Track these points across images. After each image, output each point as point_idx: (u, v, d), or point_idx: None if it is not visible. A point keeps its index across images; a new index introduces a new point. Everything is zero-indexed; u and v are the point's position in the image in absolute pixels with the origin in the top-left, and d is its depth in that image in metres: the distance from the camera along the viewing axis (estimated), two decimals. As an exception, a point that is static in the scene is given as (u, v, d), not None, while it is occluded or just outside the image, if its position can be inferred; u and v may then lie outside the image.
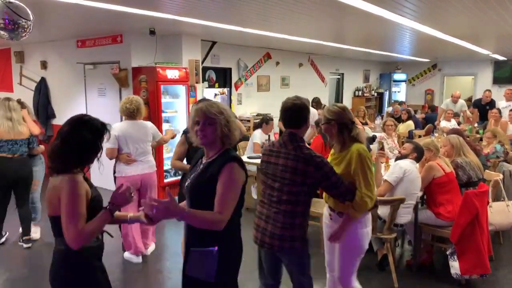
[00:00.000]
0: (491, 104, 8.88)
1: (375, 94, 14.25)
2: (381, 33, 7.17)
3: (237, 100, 9.02)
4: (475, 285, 3.85)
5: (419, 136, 8.61)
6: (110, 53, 6.78)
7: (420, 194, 4.00)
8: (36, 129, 4.83)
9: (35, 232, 4.91)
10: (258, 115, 8.87)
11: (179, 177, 5.29)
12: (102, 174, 2.68)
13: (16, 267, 4.39)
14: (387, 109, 12.58)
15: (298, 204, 2.59)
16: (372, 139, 6.34)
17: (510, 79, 12.47)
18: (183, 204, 2.34)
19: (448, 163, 4.13)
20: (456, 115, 9.04)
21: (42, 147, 4.95)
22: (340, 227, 2.74)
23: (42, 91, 8.00)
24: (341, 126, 2.72)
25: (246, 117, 8.88)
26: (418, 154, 4.04)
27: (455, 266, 3.73)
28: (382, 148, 4.19)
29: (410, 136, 8.71)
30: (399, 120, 9.38)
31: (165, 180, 6.60)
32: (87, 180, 2.15)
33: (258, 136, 6.54)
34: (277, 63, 10.01)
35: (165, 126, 6.61)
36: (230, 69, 8.80)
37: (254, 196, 6.53)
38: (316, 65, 11.46)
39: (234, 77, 8.90)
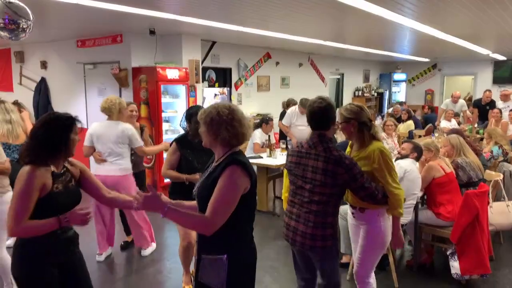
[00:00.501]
0: (491, 104, 8.87)
1: (375, 94, 14.25)
2: (381, 33, 7.17)
3: (237, 100, 9.01)
4: (476, 285, 3.84)
5: (419, 136, 8.61)
6: (110, 53, 6.77)
7: (420, 194, 3.99)
8: None
9: None
10: (258, 115, 8.87)
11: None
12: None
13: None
14: (388, 109, 12.57)
15: (329, 204, 2.61)
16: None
17: (510, 79, 12.47)
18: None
19: (448, 163, 4.12)
20: (456, 115, 9.04)
21: None
22: (395, 231, 2.83)
23: (42, 91, 8.00)
24: (360, 124, 2.76)
25: (246, 117, 8.86)
26: (418, 153, 4.05)
27: (455, 266, 3.73)
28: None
29: (410, 136, 8.71)
30: (399, 120, 9.37)
31: (165, 181, 6.59)
32: (58, 175, 2.23)
33: (258, 136, 6.54)
34: (277, 63, 10.01)
35: (165, 126, 6.61)
36: (230, 69, 8.80)
37: (254, 196, 6.53)
38: (316, 65, 11.46)
39: (234, 77, 8.90)
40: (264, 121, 6.62)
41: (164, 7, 4.73)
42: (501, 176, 4.60)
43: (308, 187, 2.60)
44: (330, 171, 2.53)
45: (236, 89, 8.99)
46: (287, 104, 8.37)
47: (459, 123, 8.93)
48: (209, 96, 8.45)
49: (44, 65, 7.99)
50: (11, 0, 3.25)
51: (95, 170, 4.15)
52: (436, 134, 7.83)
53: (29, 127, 4.59)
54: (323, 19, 5.67)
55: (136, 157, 4.50)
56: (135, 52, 6.60)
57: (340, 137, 5.76)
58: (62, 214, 2.17)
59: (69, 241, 2.32)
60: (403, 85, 14.71)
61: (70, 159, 2.38)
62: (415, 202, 3.88)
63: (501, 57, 11.91)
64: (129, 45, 6.57)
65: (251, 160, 5.86)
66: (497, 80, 12.71)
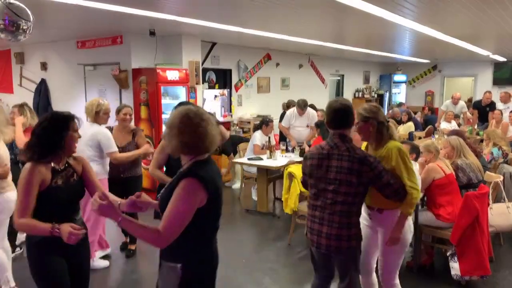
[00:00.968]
0: (491, 105, 8.87)
1: (375, 96, 14.25)
2: (381, 34, 7.18)
3: (237, 102, 9.02)
4: (475, 286, 3.84)
5: (420, 138, 8.61)
6: (110, 54, 6.78)
7: (420, 195, 3.98)
8: (21, 142, 4.30)
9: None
10: (258, 116, 8.86)
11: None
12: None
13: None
14: (388, 112, 12.56)
15: (354, 204, 2.62)
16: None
17: (510, 80, 12.48)
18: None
19: (448, 164, 4.12)
20: (456, 117, 9.04)
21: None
22: (396, 228, 2.77)
23: (42, 92, 8.01)
24: (379, 124, 2.77)
25: (246, 118, 8.88)
26: (416, 153, 4.05)
27: (455, 267, 3.73)
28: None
29: (410, 137, 8.71)
30: (400, 122, 9.37)
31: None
32: (59, 171, 2.35)
33: (258, 138, 6.54)
34: (277, 64, 10.01)
35: (165, 127, 6.60)
36: (230, 70, 8.81)
37: (254, 197, 6.53)
38: (316, 66, 11.47)
39: (234, 78, 8.90)
40: (264, 123, 6.62)
41: (164, 8, 4.73)
42: (501, 177, 4.59)
43: (331, 188, 2.59)
44: (355, 170, 2.55)
45: (236, 91, 9.00)
46: (287, 105, 8.37)
47: (459, 125, 8.93)
48: (209, 98, 8.46)
49: (44, 66, 8.00)
50: (11, 1, 3.25)
51: None
52: (436, 136, 7.83)
53: (18, 134, 4.39)
54: (323, 20, 5.68)
55: (134, 161, 4.32)
56: (135, 53, 6.61)
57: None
58: (63, 207, 2.33)
59: None
60: (403, 86, 14.71)
61: (75, 154, 2.50)
62: (415, 203, 3.88)
63: (501, 58, 11.91)
64: (129, 46, 6.57)
65: (251, 162, 5.92)
66: (497, 82, 12.72)
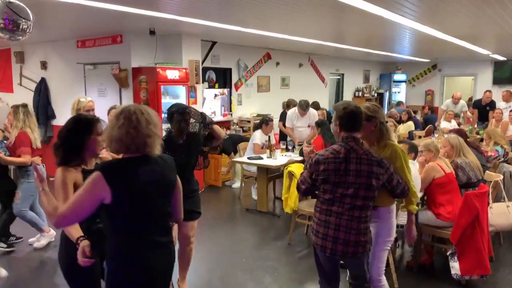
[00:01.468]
0: (491, 104, 8.87)
1: (375, 95, 14.25)
2: (381, 33, 7.17)
3: (237, 101, 9.01)
4: (475, 285, 3.84)
5: (419, 137, 8.61)
6: (110, 53, 6.78)
7: (420, 194, 3.99)
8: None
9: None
10: (258, 115, 8.86)
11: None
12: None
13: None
14: (388, 111, 12.56)
15: (369, 208, 2.64)
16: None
17: (510, 79, 12.46)
18: None
19: (448, 163, 4.12)
20: (456, 116, 9.03)
21: (23, 158, 4.40)
22: (410, 227, 2.98)
23: (42, 91, 8.00)
24: (381, 124, 2.81)
25: (246, 117, 8.87)
26: (415, 152, 4.06)
27: (455, 267, 3.73)
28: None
29: (410, 137, 8.71)
30: (400, 121, 9.36)
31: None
32: (89, 171, 2.29)
33: (258, 137, 6.54)
34: (277, 64, 10.00)
35: (165, 126, 6.60)
36: (230, 69, 8.80)
37: (254, 197, 6.53)
38: (316, 66, 11.46)
39: (234, 78, 8.90)
40: (264, 122, 6.62)
41: (164, 7, 4.73)
42: (501, 176, 4.60)
43: (350, 192, 2.57)
44: (374, 173, 2.57)
45: (236, 90, 8.99)
46: (287, 104, 8.37)
47: (459, 124, 8.93)
48: (209, 97, 8.45)
49: (44, 65, 7.99)
50: (11, 0, 3.25)
51: None
52: (436, 135, 7.83)
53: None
54: (323, 19, 5.67)
55: None
56: (135, 53, 6.60)
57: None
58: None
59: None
60: (403, 85, 14.70)
61: (103, 155, 2.53)
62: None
63: (501, 58, 11.90)
64: (129, 46, 6.57)
65: (251, 161, 5.92)
66: (497, 81, 12.71)
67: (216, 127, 3.49)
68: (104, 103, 6.98)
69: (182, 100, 6.83)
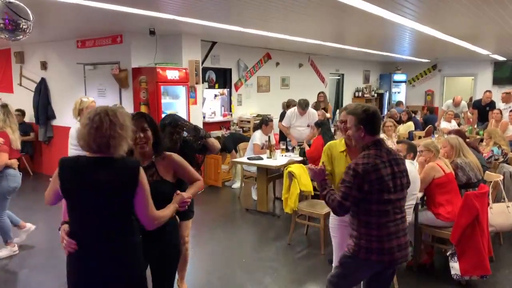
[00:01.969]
0: (491, 105, 8.87)
1: (375, 95, 14.25)
2: (381, 34, 7.17)
3: (237, 101, 9.01)
4: (475, 286, 3.84)
5: (419, 137, 8.62)
6: (110, 53, 6.78)
7: (420, 195, 3.99)
8: None
9: None
10: (258, 115, 8.86)
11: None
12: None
13: None
14: (388, 111, 12.56)
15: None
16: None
17: (510, 79, 12.47)
18: None
19: (447, 163, 4.12)
20: (456, 116, 9.04)
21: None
22: None
23: (42, 91, 8.00)
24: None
25: (246, 118, 8.87)
26: (414, 152, 4.06)
27: (455, 267, 3.73)
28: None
29: (410, 137, 8.71)
30: (399, 121, 9.36)
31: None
32: (144, 167, 2.31)
33: (258, 137, 6.54)
34: (277, 64, 10.00)
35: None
36: (230, 69, 8.80)
37: (254, 197, 6.53)
38: (316, 66, 11.46)
39: (234, 78, 8.89)
40: (264, 122, 6.61)
41: (164, 8, 4.73)
42: (501, 177, 4.60)
43: (402, 195, 2.55)
44: (406, 171, 2.59)
45: (236, 90, 8.99)
46: (287, 104, 8.37)
47: (459, 124, 8.93)
48: (209, 97, 8.45)
49: (44, 65, 7.99)
50: (11, 0, 3.25)
51: None
52: (436, 135, 7.83)
53: None
54: (323, 19, 5.67)
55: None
56: (135, 53, 6.60)
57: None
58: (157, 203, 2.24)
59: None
60: (403, 85, 14.71)
61: (167, 153, 2.52)
62: (414, 203, 3.88)
63: (501, 58, 11.91)
64: (129, 46, 6.57)
65: (251, 161, 5.91)
66: (497, 81, 12.71)
67: (210, 140, 3.41)
68: (104, 104, 6.96)
69: (182, 100, 6.84)
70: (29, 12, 3.34)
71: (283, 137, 7.29)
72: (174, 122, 3.29)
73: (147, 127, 2.42)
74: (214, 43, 7.92)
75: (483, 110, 9.01)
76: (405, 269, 4.21)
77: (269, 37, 7.09)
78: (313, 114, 6.92)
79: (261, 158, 5.95)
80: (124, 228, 2.10)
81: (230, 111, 8.79)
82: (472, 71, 13.34)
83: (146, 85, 6.40)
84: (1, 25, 3.21)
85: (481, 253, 3.65)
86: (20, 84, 8.51)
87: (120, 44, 6.64)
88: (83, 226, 2.07)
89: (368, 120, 2.50)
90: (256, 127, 6.92)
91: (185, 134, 3.23)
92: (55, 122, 8.07)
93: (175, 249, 2.57)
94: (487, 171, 4.70)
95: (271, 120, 6.72)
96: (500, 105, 8.66)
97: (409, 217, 3.92)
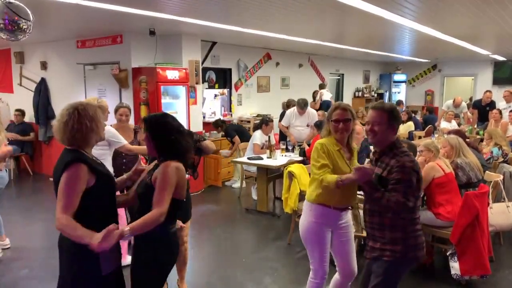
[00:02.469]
0: (491, 105, 8.87)
1: (375, 95, 14.25)
2: (381, 34, 7.17)
3: (237, 101, 9.01)
4: (475, 286, 3.84)
5: (419, 137, 8.62)
6: (110, 53, 6.78)
7: (420, 194, 3.99)
8: None
9: None
10: (258, 115, 8.86)
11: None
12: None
13: None
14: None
15: None
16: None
17: (510, 79, 12.47)
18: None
19: (447, 163, 4.12)
20: (456, 116, 9.04)
21: None
22: None
23: (42, 92, 8.00)
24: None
25: (246, 118, 8.88)
26: (414, 152, 4.06)
27: (455, 267, 3.73)
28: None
29: (410, 137, 8.71)
30: (399, 121, 9.32)
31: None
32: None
33: (258, 137, 6.54)
34: (277, 64, 10.01)
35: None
36: (230, 69, 8.80)
37: (254, 197, 6.53)
38: (316, 66, 11.47)
39: (234, 78, 8.90)
40: (264, 122, 6.62)
41: (164, 8, 4.73)
42: (501, 177, 4.60)
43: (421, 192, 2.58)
44: None
45: (236, 90, 8.99)
46: (287, 104, 8.37)
47: (459, 124, 8.93)
48: (209, 97, 8.46)
49: (44, 65, 8.00)
50: (11, 0, 3.25)
51: None
52: (436, 135, 7.83)
53: None
54: (323, 19, 5.67)
55: (134, 160, 4.34)
56: (135, 53, 6.60)
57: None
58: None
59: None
60: (403, 85, 14.71)
61: (168, 162, 2.47)
62: (415, 203, 3.88)
63: (501, 58, 11.91)
64: (129, 46, 6.57)
65: (251, 161, 5.91)
66: (497, 81, 12.71)
67: (205, 143, 3.41)
68: (104, 103, 7.01)
69: (182, 100, 6.84)
70: (29, 12, 3.34)
71: (283, 137, 7.29)
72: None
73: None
74: (214, 43, 7.92)
75: (483, 110, 9.01)
76: (405, 269, 4.21)
77: (269, 37, 7.09)
78: (313, 114, 6.92)
79: (261, 158, 5.95)
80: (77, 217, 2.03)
81: (230, 111, 8.80)
82: (472, 71, 13.34)
83: (146, 85, 6.40)
84: (1, 25, 3.21)
85: (481, 253, 3.65)
86: (20, 84, 8.51)
87: (120, 44, 6.65)
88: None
89: (398, 118, 2.52)
90: (256, 127, 6.92)
91: None
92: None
93: (140, 267, 2.35)
94: (487, 171, 4.70)
95: (271, 120, 6.73)
96: (500, 104, 8.66)
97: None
